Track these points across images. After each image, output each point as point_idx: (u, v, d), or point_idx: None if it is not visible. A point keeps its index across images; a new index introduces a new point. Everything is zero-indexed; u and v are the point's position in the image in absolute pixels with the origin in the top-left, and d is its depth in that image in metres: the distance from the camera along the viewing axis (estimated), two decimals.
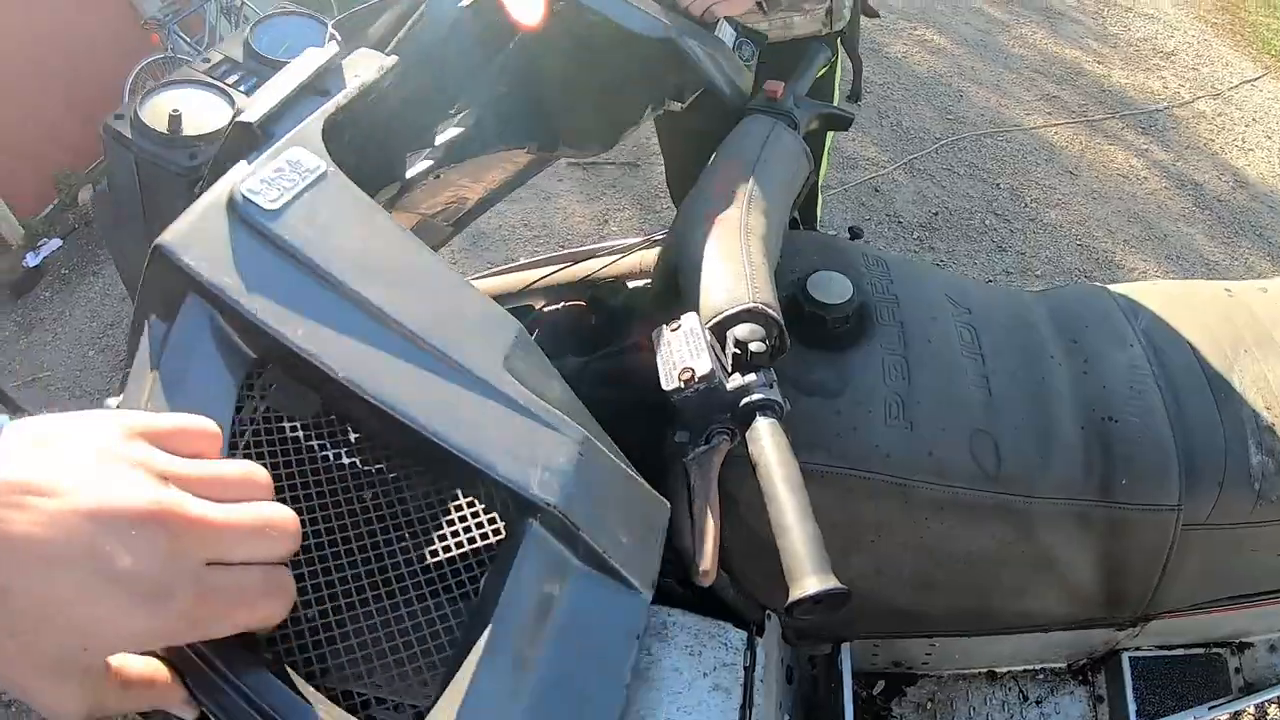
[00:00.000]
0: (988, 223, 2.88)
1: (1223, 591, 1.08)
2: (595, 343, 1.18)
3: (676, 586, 1.05)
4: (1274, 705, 1.72)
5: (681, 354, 0.71)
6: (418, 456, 0.54)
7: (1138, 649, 1.42)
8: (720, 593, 1.04)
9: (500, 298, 1.64)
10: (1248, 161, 3.20)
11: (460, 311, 0.58)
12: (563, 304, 1.43)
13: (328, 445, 0.54)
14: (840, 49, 1.53)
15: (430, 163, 0.90)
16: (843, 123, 1.15)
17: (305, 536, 0.46)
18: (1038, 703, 1.44)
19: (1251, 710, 1.71)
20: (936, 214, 2.89)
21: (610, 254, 1.44)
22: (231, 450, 0.49)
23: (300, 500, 0.50)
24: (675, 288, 0.92)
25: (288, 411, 0.53)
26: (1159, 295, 1.10)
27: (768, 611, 1.06)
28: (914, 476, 0.89)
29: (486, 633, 0.47)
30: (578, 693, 0.51)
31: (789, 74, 1.11)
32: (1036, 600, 1.02)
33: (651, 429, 0.93)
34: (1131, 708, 1.37)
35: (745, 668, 0.97)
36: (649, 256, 1.41)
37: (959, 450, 0.90)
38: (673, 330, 0.73)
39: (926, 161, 3.12)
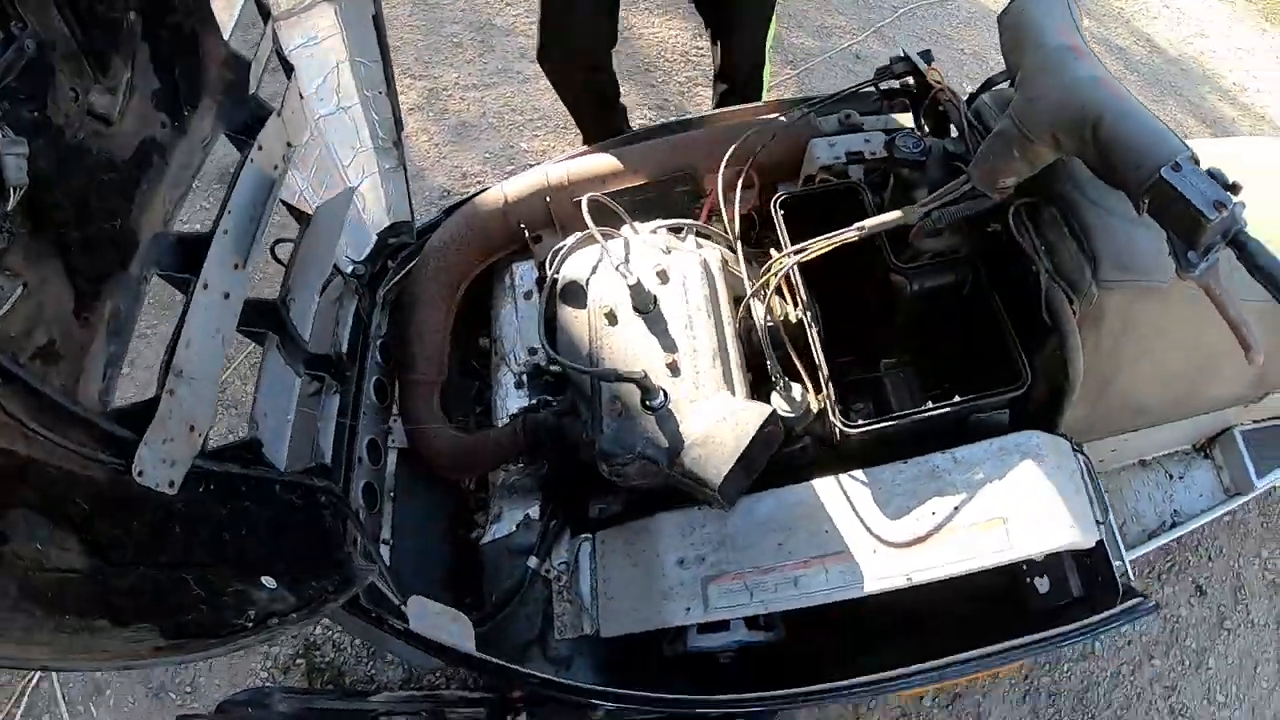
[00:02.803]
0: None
1: None
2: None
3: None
4: None
5: (1197, 193, 0.83)
6: None
7: (1241, 424, 1.64)
8: (1059, 413, 1.16)
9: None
10: (1154, 29, 3.56)
11: None
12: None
13: None
14: None
15: None
16: None
17: None
18: (1180, 479, 1.63)
19: None
20: None
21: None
22: None
23: None
24: (1092, 136, 0.94)
25: None
26: None
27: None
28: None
29: None
30: None
31: None
32: (1227, 386, 1.17)
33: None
34: (1251, 467, 1.59)
35: (1083, 473, 1.13)
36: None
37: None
38: (1173, 170, 0.86)
39: (894, 29, 3.18)
